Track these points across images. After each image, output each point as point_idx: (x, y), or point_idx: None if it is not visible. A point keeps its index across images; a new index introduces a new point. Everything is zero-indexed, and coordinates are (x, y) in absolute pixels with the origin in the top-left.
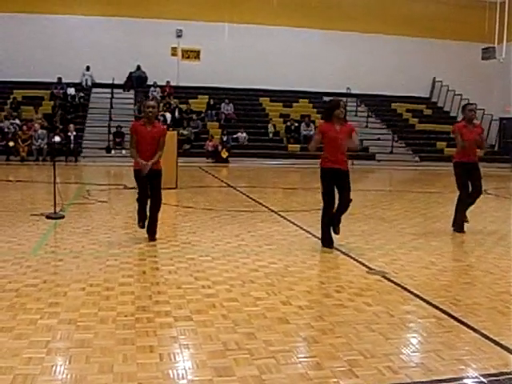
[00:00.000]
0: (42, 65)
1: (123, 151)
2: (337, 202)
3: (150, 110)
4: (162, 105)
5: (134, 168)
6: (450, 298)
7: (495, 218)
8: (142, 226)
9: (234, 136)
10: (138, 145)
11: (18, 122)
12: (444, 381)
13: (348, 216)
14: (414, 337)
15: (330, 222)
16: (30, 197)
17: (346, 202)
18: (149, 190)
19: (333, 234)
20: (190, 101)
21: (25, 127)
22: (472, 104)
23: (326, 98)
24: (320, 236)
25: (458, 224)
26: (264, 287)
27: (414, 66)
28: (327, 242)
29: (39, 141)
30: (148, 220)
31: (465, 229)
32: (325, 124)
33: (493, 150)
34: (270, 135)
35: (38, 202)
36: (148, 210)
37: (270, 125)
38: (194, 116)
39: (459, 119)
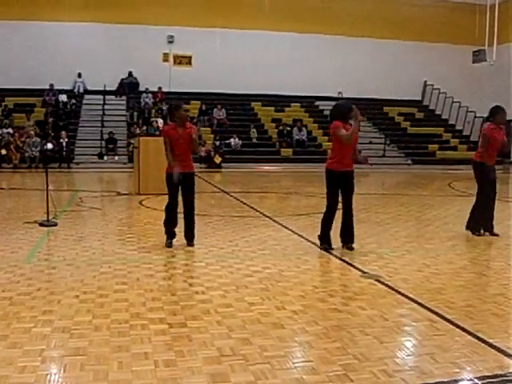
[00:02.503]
0: (33, 72)
1: (116, 157)
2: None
3: (186, 113)
4: (154, 111)
5: (167, 172)
6: (443, 301)
7: None
8: (170, 245)
9: (227, 141)
10: (172, 148)
11: (10, 130)
12: (439, 383)
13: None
14: (409, 340)
15: (331, 225)
16: (22, 204)
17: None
18: (179, 195)
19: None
20: None
21: (17, 134)
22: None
23: (318, 102)
24: (317, 237)
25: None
26: (258, 292)
27: (405, 69)
28: (327, 242)
29: (32, 148)
30: (184, 226)
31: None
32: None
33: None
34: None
35: (31, 210)
36: (183, 216)
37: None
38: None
39: (452, 122)
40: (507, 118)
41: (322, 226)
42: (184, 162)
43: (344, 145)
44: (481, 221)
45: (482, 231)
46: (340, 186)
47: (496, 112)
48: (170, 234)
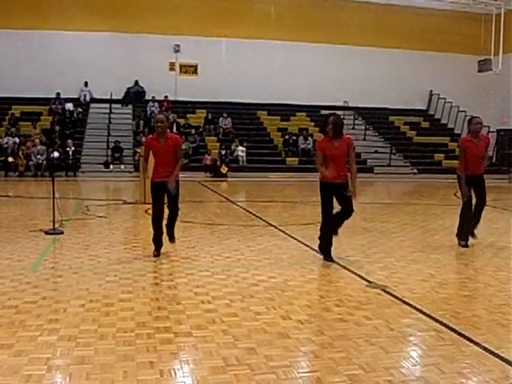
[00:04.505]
0: (40, 80)
1: (122, 166)
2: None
3: (159, 124)
4: None
5: (151, 180)
6: (449, 311)
7: (494, 229)
8: (157, 255)
9: (233, 152)
10: (154, 159)
11: (16, 139)
12: None
13: (347, 229)
14: (414, 350)
15: (330, 235)
16: (28, 213)
17: (348, 212)
18: (165, 203)
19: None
20: (188, 115)
21: (28, 143)
22: (477, 117)
23: (324, 112)
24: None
25: (463, 234)
26: (264, 302)
27: (411, 78)
28: (328, 255)
29: (38, 156)
30: (166, 227)
31: (468, 243)
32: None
33: (491, 162)
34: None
35: (37, 218)
36: (166, 220)
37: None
38: (193, 130)
39: (457, 131)
40: None
41: (320, 236)
42: (168, 171)
43: (329, 158)
44: (460, 228)
45: (463, 242)
46: (332, 197)
47: (469, 122)
48: (158, 247)
